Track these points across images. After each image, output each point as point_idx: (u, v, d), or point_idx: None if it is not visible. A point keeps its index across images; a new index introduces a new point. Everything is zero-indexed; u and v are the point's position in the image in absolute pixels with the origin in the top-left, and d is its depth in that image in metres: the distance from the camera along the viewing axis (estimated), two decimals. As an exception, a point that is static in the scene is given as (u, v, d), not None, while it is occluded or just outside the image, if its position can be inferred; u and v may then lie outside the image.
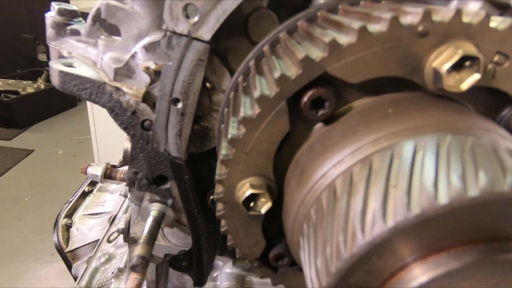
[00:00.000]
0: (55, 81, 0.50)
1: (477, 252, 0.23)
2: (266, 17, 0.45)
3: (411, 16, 0.27)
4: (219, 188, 0.37)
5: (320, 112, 0.31)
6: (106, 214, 1.32)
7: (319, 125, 0.34)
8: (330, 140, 0.31)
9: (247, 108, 0.32)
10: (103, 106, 0.49)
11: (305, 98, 0.30)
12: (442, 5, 0.46)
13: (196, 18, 0.40)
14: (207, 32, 0.41)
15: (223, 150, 0.34)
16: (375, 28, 0.27)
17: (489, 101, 0.34)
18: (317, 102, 0.31)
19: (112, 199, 1.37)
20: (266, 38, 0.41)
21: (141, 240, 0.69)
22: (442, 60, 0.28)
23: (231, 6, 0.39)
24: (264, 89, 0.31)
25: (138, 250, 0.67)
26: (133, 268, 0.64)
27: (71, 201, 1.47)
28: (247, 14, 0.45)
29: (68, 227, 1.44)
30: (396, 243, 0.23)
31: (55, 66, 0.50)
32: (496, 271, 0.23)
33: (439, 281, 0.23)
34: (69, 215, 1.45)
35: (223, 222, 0.40)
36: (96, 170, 0.97)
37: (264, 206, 0.35)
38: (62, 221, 1.48)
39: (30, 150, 3.40)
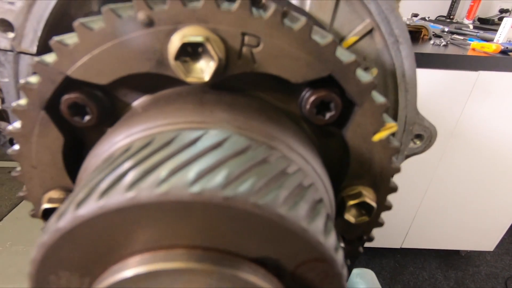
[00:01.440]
0: None
1: (191, 258, 0.21)
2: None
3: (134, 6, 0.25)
4: (32, 205, 0.35)
5: (86, 118, 0.29)
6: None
7: (109, 130, 0.33)
8: (107, 136, 0.29)
9: (16, 121, 0.30)
10: (-32, 129, 0.50)
11: (62, 106, 0.29)
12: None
13: (13, 34, 0.39)
14: (30, 45, 0.40)
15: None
16: (96, 24, 0.26)
17: (287, 86, 0.31)
18: (79, 108, 0.29)
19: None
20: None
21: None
22: (172, 50, 0.25)
23: (43, 15, 0.38)
24: (21, 100, 0.29)
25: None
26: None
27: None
28: (80, 22, 0.44)
29: None
30: (113, 226, 0.19)
31: None
32: (211, 283, 0.21)
33: (142, 279, 0.20)
34: None
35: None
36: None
37: (70, 220, 0.34)
38: None
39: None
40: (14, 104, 0.29)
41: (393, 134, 0.40)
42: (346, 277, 0.23)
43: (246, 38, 0.26)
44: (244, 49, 0.27)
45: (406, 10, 2.69)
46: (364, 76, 0.29)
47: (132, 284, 0.20)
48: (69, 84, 0.28)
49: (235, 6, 0.25)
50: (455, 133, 1.79)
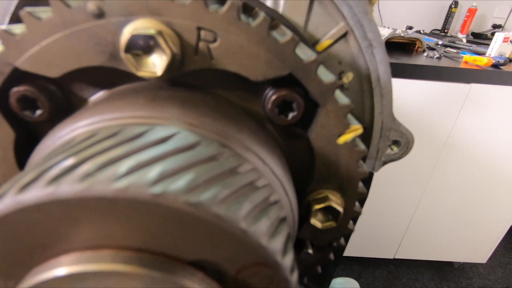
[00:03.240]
0: None
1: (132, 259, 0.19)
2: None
3: (85, -4, 0.24)
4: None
5: (37, 113, 0.28)
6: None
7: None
8: (52, 130, 0.28)
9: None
10: None
11: (11, 99, 0.28)
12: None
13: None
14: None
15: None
16: (45, 14, 0.25)
17: (250, 86, 0.30)
18: (30, 102, 0.28)
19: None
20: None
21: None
22: (123, 42, 0.24)
23: None
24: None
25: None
26: None
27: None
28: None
29: None
30: (55, 218, 0.18)
31: None
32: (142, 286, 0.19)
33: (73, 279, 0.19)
34: None
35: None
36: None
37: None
38: None
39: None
40: (-38, 96, 0.28)
41: (364, 138, 0.39)
42: (295, 283, 0.21)
43: (203, 33, 0.25)
44: (201, 44, 0.26)
45: (401, 23, 2.73)
46: (327, 76, 0.28)
47: (55, 285, 0.18)
48: (20, 76, 0.27)
49: (189, -1, 0.24)
50: (448, 144, 1.79)
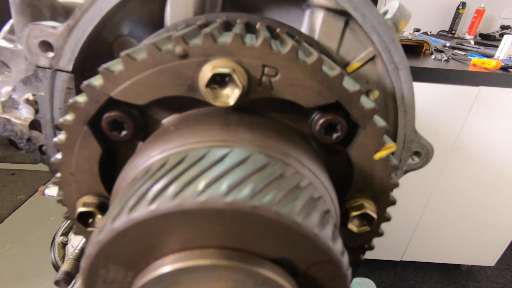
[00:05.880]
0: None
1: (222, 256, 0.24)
2: (128, 44, 0.48)
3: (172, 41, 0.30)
4: (65, 208, 0.39)
5: (123, 133, 0.34)
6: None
7: (140, 144, 0.37)
8: (139, 150, 0.34)
9: (60, 134, 0.34)
10: (1, 135, 0.54)
11: (103, 122, 0.33)
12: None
13: (53, 53, 0.44)
14: (67, 64, 0.45)
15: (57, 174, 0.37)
16: (139, 55, 0.30)
17: (299, 109, 0.35)
18: (117, 124, 0.33)
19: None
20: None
21: (72, 256, 0.73)
22: (203, 78, 0.30)
23: (81, 38, 0.43)
24: (67, 116, 0.34)
25: (65, 265, 0.71)
26: (56, 283, 0.67)
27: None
28: (111, 42, 0.48)
29: (64, 244, 1.51)
30: (158, 228, 0.23)
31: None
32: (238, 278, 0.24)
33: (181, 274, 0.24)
34: (66, 233, 1.52)
35: (84, 239, 0.42)
36: (52, 191, 1.02)
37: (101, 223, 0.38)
38: (59, 239, 1.55)
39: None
40: (61, 119, 0.33)
41: (392, 153, 0.44)
42: (350, 278, 0.26)
43: (266, 69, 0.31)
44: (264, 78, 0.31)
45: (408, 25, 2.75)
46: (367, 103, 0.33)
47: (169, 279, 0.23)
48: (110, 103, 0.32)
49: (258, 42, 0.29)
50: (456, 147, 1.82)
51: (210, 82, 0.29)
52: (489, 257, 2.20)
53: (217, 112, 0.33)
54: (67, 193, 0.38)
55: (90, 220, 0.38)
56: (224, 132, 0.30)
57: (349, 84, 0.32)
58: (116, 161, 0.38)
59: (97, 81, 0.31)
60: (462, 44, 2.27)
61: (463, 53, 2.02)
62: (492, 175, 1.88)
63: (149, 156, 0.30)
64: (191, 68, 0.30)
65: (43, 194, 1.02)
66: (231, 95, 0.30)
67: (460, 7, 2.82)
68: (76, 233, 0.41)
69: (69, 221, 1.56)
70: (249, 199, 0.22)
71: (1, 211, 2.97)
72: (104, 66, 0.30)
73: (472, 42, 2.45)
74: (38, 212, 3.01)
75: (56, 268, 1.42)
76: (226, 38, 0.29)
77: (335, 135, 0.34)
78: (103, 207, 0.37)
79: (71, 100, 0.32)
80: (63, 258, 1.45)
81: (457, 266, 2.38)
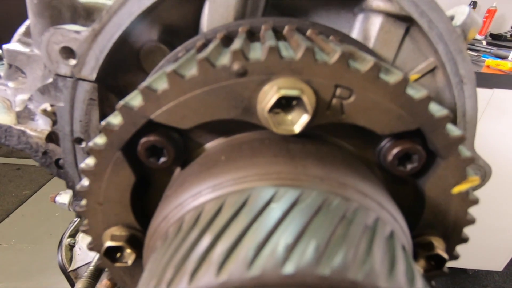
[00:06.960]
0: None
1: None
2: (157, 51, 0.43)
3: (228, 56, 0.25)
4: (90, 238, 0.35)
5: (161, 160, 0.29)
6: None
7: (177, 170, 0.32)
8: (183, 182, 0.29)
9: (88, 159, 0.30)
10: (15, 148, 0.50)
11: (139, 147, 0.28)
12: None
13: (75, 60, 0.39)
14: (90, 72, 0.40)
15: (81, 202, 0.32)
16: (189, 72, 0.25)
17: (365, 134, 0.30)
18: (155, 149, 0.28)
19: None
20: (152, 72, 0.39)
21: (86, 274, 0.68)
22: (266, 101, 0.24)
23: (107, 44, 0.38)
24: (97, 139, 0.29)
25: (80, 283, 0.66)
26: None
27: (75, 221, 1.51)
28: (138, 48, 0.43)
29: (71, 246, 1.48)
30: None
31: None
32: None
33: None
34: (73, 234, 1.48)
35: (109, 272, 0.38)
36: (63, 198, 0.98)
37: (131, 257, 0.33)
38: (66, 240, 1.52)
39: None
40: (91, 143, 0.28)
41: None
42: None
43: (338, 90, 0.25)
44: (334, 101, 0.26)
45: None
46: (453, 130, 0.28)
47: None
48: (148, 125, 0.27)
49: (333, 58, 0.24)
50: (473, 153, 1.76)
51: (275, 106, 0.24)
52: (497, 262, 2.15)
53: (274, 139, 0.28)
54: (92, 223, 0.33)
55: (118, 255, 0.33)
56: (289, 166, 0.24)
57: (435, 109, 0.27)
58: (148, 188, 0.33)
59: (135, 100, 0.26)
60: (474, 45, 2.19)
61: (475, 54, 1.95)
62: (504, 178, 1.82)
63: (199, 193, 0.25)
64: (249, 88, 0.25)
65: (54, 201, 0.98)
66: (296, 121, 0.25)
67: (471, 7, 2.73)
68: (100, 266, 0.36)
69: (76, 223, 1.53)
70: (314, 265, 0.17)
71: (7, 206, 2.95)
72: (144, 84, 0.25)
73: (484, 42, 2.37)
74: (43, 207, 2.97)
75: (63, 270, 1.38)
76: (295, 54, 0.24)
77: (409, 166, 0.29)
78: (133, 241, 0.33)
79: (103, 122, 0.27)
80: (70, 260, 1.42)
81: (464, 270, 2.33)
